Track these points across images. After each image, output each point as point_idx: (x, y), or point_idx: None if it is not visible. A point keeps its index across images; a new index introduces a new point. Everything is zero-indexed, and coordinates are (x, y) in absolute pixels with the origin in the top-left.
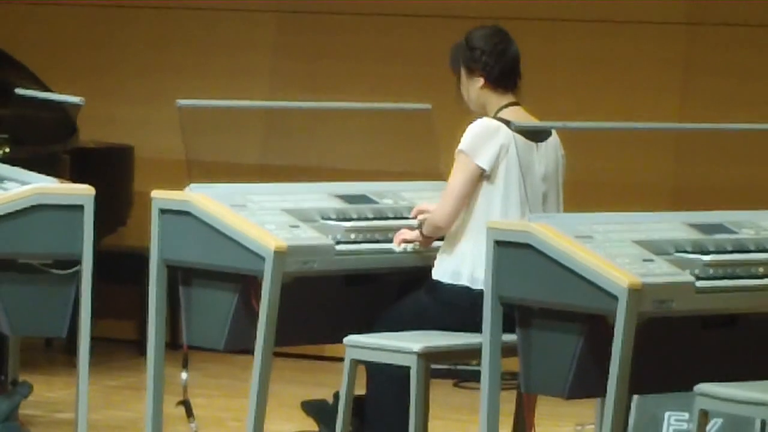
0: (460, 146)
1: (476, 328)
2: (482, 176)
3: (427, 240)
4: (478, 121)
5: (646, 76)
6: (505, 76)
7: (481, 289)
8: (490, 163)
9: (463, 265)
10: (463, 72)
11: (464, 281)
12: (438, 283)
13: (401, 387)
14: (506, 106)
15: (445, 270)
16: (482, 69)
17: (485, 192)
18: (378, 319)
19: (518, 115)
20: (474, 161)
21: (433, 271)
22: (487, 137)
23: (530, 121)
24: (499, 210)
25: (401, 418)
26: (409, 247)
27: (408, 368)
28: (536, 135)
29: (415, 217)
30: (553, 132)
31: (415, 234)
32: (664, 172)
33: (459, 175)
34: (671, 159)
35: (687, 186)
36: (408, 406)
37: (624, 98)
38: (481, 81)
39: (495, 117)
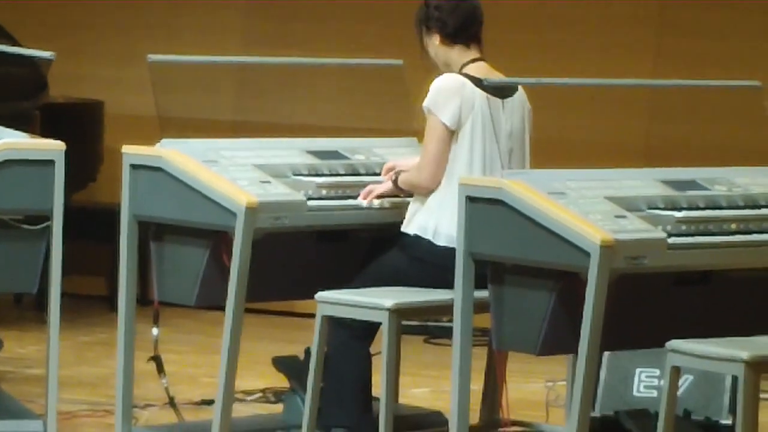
0: (426, 102)
1: (448, 285)
2: (450, 133)
3: (400, 191)
4: (443, 76)
5: (619, 36)
6: (460, 31)
7: (444, 246)
8: (454, 120)
9: (429, 219)
10: (423, 31)
11: (429, 236)
12: (407, 236)
13: (352, 340)
14: (470, 62)
15: (412, 223)
16: (435, 25)
17: (451, 149)
18: (352, 279)
19: (482, 71)
20: (440, 119)
21: (403, 226)
22: (450, 94)
23: (495, 76)
24: (464, 166)
25: (353, 370)
26: (377, 202)
27: (370, 323)
28: (503, 91)
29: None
30: (520, 87)
31: (388, 186)
32: (637, 130)
33: (431, 135)
34: (645, 117)
35: (660, 143)
36: (363, 360)
37: (597, 57)
38: (437, 37)
39: (460, 73)
